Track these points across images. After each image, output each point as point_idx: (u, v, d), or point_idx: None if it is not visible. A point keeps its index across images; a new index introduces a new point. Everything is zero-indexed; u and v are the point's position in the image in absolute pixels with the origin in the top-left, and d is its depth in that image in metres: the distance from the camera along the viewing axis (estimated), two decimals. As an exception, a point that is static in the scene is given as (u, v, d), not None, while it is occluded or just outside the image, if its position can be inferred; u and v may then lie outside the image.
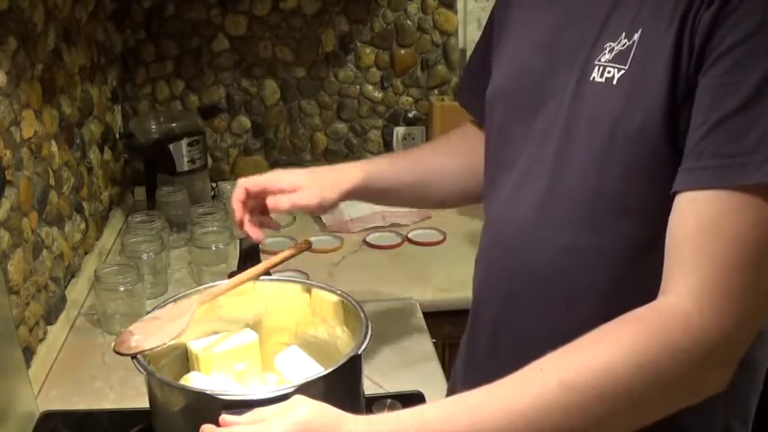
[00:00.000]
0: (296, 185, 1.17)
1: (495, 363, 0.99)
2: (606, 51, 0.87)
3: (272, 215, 1.21)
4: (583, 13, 0.91)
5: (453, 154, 1.25)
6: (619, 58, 0.85)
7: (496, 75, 1.05)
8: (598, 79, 0.87)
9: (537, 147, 0.95)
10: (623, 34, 0.85)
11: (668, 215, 0.81)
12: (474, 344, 1.09)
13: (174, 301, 1.09)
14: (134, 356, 0.98)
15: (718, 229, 0.77)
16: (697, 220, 0.78)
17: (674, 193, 0.80)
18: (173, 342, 1.02)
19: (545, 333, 0.93)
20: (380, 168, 1.23)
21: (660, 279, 0.80)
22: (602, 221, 0.89)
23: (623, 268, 0.89)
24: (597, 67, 0.87)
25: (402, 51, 2.15)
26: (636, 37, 0.84)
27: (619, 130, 0.85)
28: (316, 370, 1.06)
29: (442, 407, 0.80)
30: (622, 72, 0.85)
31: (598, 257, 0.89)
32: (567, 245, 0.92)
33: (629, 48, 0.85)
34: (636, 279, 0.87)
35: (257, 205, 1.19)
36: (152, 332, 1.02)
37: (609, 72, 0.86)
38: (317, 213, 1.20)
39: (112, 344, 1.01)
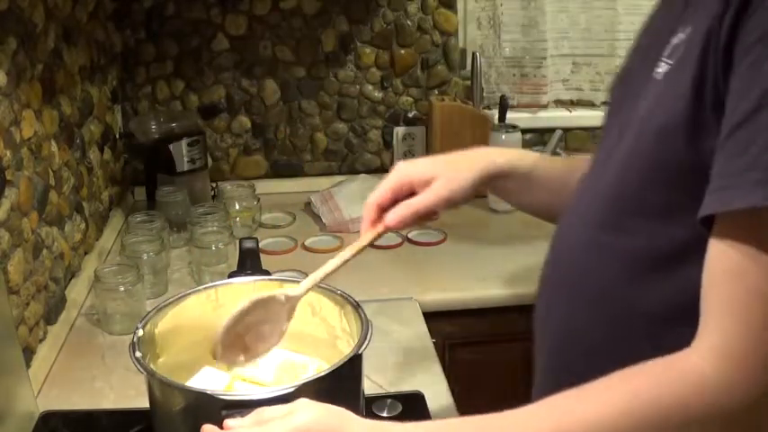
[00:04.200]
0: (429, 177, 1.02)
1: (539, 357, 1.00)
2: (668, 47, 0.82)
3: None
4: (670, 5, 0.87)
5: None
6: (671, 53, 0.80)
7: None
8: (654, 75, 0.82)
9: (609, 137, 0.90)
10: (681, 29, 0.80)
11: (695, 226, 0.75)
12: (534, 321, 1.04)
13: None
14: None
15: (742, 277, 0.70)
16: (716, 263, 0.73)
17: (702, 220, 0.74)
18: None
19: (567, 331, 0.91)
20: (528, 157, 1.09)
21: (692, 296, 0.75)
22: (623, 221, 0.84)
23: (646, 273, 0.83)
24: (659, 62, 0.82)
25: (402, 51, 2.15)
26: (686, 33, 0.79)
27: (646, 127, 0.80)
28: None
29: (441, 429, 0.80)
30: (668, 68, 0.80)
31: (618, 258, 0.85)
32: (589, 241, 0.88)
33: (680, 44, 0.80)
34: (662, 288, 0.82)
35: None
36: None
37: (661, 67, 0.81)
38: (449, 208, 1.04)
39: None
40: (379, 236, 1.04)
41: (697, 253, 0.75)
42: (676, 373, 0.73)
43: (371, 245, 1.04)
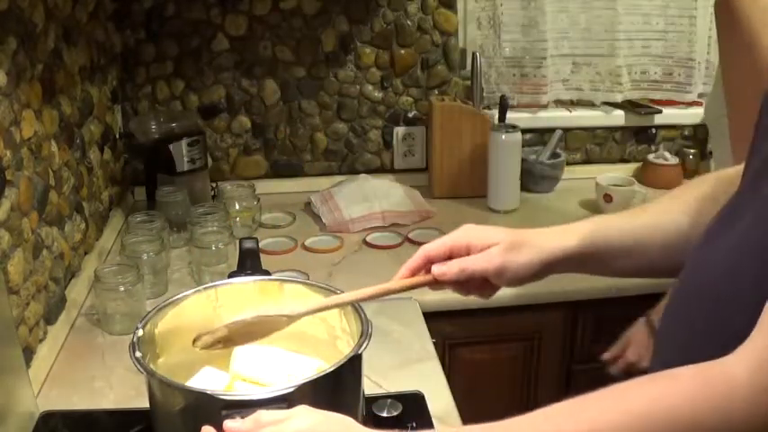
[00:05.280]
0: (489, 242, 0.96)
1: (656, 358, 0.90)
2: None
3: None
4: None
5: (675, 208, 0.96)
6: None
7: None
8: None
9: (758, 156, 0.80)
10: None
11: None
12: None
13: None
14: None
15: None
16: None
17: None
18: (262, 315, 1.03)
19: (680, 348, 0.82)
20: (606, 226, 0.97)
21: None
22: (765, 248, 0.73)
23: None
24: None
25: (402, 51, 2.15)
26: None
27: None
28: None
29: None
30: None
31: (750, 289, 0.74)
32: (732, 267, 0.77)
33: None
34: None
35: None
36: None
37: None
38: (499, 283, 0.97)
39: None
40: (414, 287, 1.00)
41: None
42: (711, 376, 0.69)
43: (400, 291, 1.01)
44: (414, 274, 0.99)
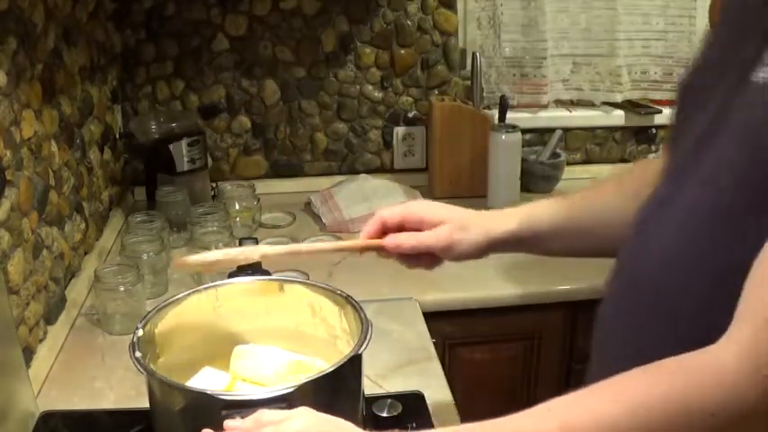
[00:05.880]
0: (439, 219, 1.04)
1: (600, 364, 0.93)
2: None
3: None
4: (754, 5, 0.81)
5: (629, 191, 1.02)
6: None
7: (685, 72, 0.94)
8: (756, 79, 0.76)
9: (688, 141, 0.85)
10: None
11: None
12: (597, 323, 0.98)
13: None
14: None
15: None
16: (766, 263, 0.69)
17: None
18: (227, 258, 1.04)
19: (637, 342, 0.86)
20: (540, 211, 1.06)
21: None
22: (714, 231, 0.78)
23: (729, 293, 0.75)
24: (761, 67, 0.76)
25: (402, 51, 2.15)
26: None
27: (748, 136, 0.75)
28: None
29: None
30: None
31: (702, 272, 0.79)
32: (678, 249, 0.81)
33: None
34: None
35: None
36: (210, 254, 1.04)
37: (765, 72, 0.75)
38: (445, 258, 1.05)
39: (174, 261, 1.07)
40: (371, 249, 1.06)
41: None
42: (701, 365, 0.70)
43: (356, 251, 1.08)
44: (371, 237, 1.05)
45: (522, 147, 2.06)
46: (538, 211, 1.06)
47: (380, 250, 1.06)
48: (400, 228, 1.05)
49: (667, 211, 0.84)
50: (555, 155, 2.18)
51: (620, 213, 0.97)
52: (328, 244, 1.11)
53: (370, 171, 2.20)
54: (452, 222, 1.03)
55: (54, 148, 1.52)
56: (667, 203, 0.85)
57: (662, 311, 0.83)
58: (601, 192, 1.08)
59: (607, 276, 0.93)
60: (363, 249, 1.07)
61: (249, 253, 1.04)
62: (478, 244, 1.04)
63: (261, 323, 1.18)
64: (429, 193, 2.12)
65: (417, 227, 1.05)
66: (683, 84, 0.93)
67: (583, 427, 0.72)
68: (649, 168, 1.00)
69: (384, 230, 1.05)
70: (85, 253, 1.71)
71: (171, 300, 1.12)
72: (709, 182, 0.79)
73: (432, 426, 1.16)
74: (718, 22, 0.93)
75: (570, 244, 1.07)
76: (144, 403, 1.04)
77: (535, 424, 0.74)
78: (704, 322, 0.77)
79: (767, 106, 0.75)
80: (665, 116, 2.27)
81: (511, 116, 2.10)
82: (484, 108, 2.15)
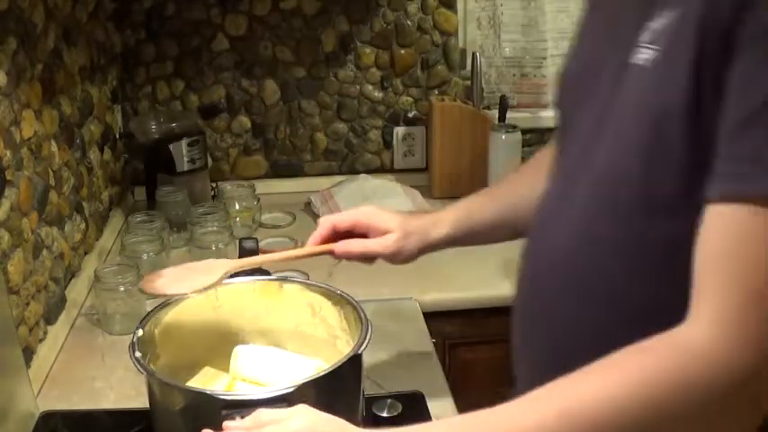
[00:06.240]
0: (386, 228, 1.12)
1: (525, 355, 0.99)
2: (646, 31, 0.80)
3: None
4: None
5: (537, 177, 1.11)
6: (654, 39, 0.79)
7: (564, 61, 1.01)
8: (636, 61, 0.80)
9: (581, 130, 0.90)
10: (660, 13, 0.79)
11: (692, 215, 0.75)
12: (513, 329, 1.05)
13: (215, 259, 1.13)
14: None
15: (744, 250, 0.70)
16: (723, 238, 0.72)
17: (705, 201, 0.73)
18: (194, 295, 1.05)
19: (561, 331, 0.91)
20: (469, 212, 1.17)
21: (683, 290, 0.74)
22: (619, 213, 0.83)
23: (641, 268, 0.83)
24: (637, 48, 0.80)
25: (402, 51, 2.15)
26: (669, 17, 0.77)
27: (643, 117, 0.78)
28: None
29: (440, 430, 0.80)
30: (656, 54, 0.78)
31: (614, 252, 0.84)
32: (583, 235, 0.87)
33: (664, 27, 0.78)
34: (660, 281, 0.82)
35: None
36: (180, 280, 1.05)
37: (644, 53, 0.79)
38: (389, 263, 1.13)
39: (140, 283, 1.08)
40: (321, 254, 1.12)
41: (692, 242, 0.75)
42: (683, 346, 0.72)
43: (308, 257, 1.13)
44: (322, 242, 1.12)
45: (522, 147, 2.06)
46: (470, 211, 1.16)
47: (330, 255, 1.12)
48: (349, 233, 1.12)
49: (565, 205, 0.90)
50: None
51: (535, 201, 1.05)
52: (277, 255, 1.17)
53: (370, 171, 2.20)
54: (397, 231, 1.11)
55: (54, 148, 1.52)
56: (564, 198, 0.91)
57: (573, 297, 0.88)
58: (522, 179, 1.17)
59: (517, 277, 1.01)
60: (314, 256, 1.12)
61: (197, 287, 1.06)
62: (418, 249, 1.13)
63: (261, 323, 1.18)
64: (429, 193, 2.12)
65: (365, 233, 1.12)
66: (566, 74, 0.99)
67: (582, 408, 0.72)
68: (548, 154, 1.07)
69: (334, 235, 1.12)
70: (85, 253, 1.71)
71: (171, 300, 1.12)
72: (606, 169, 0.84)
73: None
74: (588, 7, 1.00)
75: (500, 235, 1.18)
76: (144, 403, 1.04)
77: (533, 413, 0.74)
78: (616, 304, 0.84)
79: (654, 84, 0.78)
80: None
81: (511, 116, 2.10)
82: (484, 108, 2.15)
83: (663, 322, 0.75)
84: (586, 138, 0.89)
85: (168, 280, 1.05)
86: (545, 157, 1.10)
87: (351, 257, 1.12)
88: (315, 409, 0.81)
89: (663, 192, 0.79)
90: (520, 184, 1.17)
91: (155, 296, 1.06)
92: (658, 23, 0.79)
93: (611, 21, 0.90)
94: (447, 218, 1.15)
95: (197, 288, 1.04)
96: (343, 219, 1.13)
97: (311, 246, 1.12)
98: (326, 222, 1.12)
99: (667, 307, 0.76)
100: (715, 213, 0.73)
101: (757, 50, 0.70)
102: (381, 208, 1.16)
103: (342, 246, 1.11)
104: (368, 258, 1.13)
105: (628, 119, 0.81)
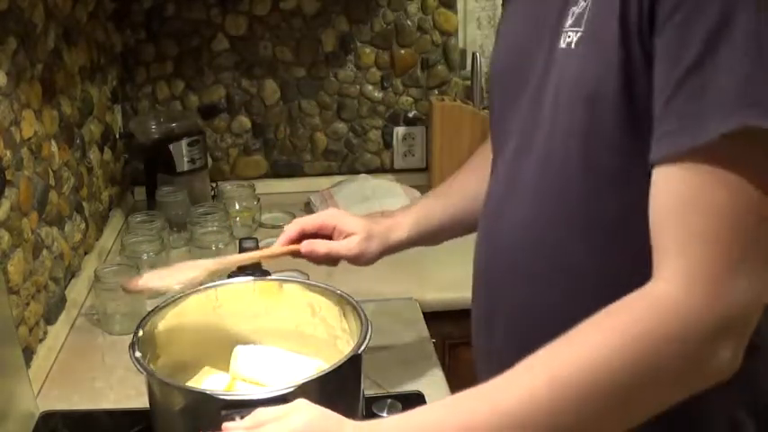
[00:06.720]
0: (350, 230, 1.17)
1: (487, 340, 1.02)
2: (570, 16, 0.83)
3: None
4: None
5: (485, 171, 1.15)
6: (577, 22, 0.82)
7: (492, 56, 1.04)
8: (562, 45, 0.84)
9: (519, 119, 0.93)
10: None
11: (638, 185, 0.78)
12: (473, 317, 1.08)
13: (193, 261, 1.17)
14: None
15: (696, 203, 0.72)
16: (673, 196, 0.74)
17: (652, 166, 0.76)
18: (177, 287, 1.07)
19: (518, 312, 0.93)
20: (427, 214, 1.22)
21: (642, 252, 0.77)
22: (566, 191, 0.86)
23: (596, 240, 0.85)
24: (563, 33, 0.83)
25: (402, 51, 2.15)
26: (588, 1, 0.81)
27: (577, 97, 0.82)
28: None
29: (434, 411, 0.80)
30: (579, 35, 0.81)
31: (566, 230, 0.87)
32: (533, 217, 0.90)
33: (585, 9, 0.81)
34: (614, 252, 0.84)
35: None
36: (161, 277, 1.08)
37: (569, 37, 0.83)
38: (355, 264, 1.19)
39: (122, 281, 1.13)
40: (288, 254, 1.16)
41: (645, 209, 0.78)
42: (656, 301, 0.74)
43: (276, 257, 1.18)
44: (290, 243, 1.16)
45: (522, 147, 2.06)
46: (427, 212, 1.22)
47: (295, 254, 1.16)
48: (315, 235, 1.17)
49: (510, 194, 0.94)
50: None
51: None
52: (246, 255, 1.21)
53: (370, 171, 2.20)
54: (360, 234, 1.16)
55: (54, 148, 1.52)
56: (510, 186, 0.94)
57: (529, 278, 0.92)
58: (472, 174, 1.21)
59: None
60: (281, 255, 1.16)
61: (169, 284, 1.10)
62: (379, 252, 1.18)
63: (261, 323, 1.18)
64: (429, 193, 2.12)
65: (330, 234, 1.17)
66: (496, 69, 1.02)
67: (571, 372, 0.73)
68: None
69: (302, 237, 1.16)
70: (85, 253, 1.71)
71: (171, 300, 1.12)
72: (547, 153, 0.87)
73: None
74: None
75: (459, 231, 1.23)
76: (144, 403, 1.04)
77: (521, 384, 0.75)
78: (572, 281, 0.87)
79: (583, 65, 0.80)
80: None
81: (511, 116, 2.10)
82: (484, 108, 2.15)
83: (619, 294, 0.76)
84: (524, 127, 0.92)
85: (151, 276, 1.10)
86: (489, 150, 1.13)
87: (316, 258, 1.16)
88: (314, 404, 0.81)
89: (605, 167, 0.82)
90: (470, 180, 1.21)
91: (138, 293, 1.12)
92: (579, 8, 0.82)
93: (535, 10, 0.92)
94: (406, 222, 1.21)
95: (182, 280, 1.06)
96: (311, 220, 1.18)
97: (278, 246, 1.16)
98: (295, 225, 1.17)
99: (621, 278, 0.78)
100: (663, 175, 0.75)
101: (679, 15, 0.72)
102: (346, 212, 1.23)
103: (307, 245, 1.15)
104: (332, 259, 1.17)
105: (562, 103, 0.84)
